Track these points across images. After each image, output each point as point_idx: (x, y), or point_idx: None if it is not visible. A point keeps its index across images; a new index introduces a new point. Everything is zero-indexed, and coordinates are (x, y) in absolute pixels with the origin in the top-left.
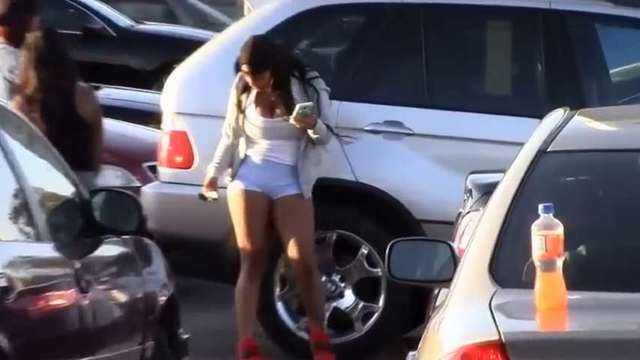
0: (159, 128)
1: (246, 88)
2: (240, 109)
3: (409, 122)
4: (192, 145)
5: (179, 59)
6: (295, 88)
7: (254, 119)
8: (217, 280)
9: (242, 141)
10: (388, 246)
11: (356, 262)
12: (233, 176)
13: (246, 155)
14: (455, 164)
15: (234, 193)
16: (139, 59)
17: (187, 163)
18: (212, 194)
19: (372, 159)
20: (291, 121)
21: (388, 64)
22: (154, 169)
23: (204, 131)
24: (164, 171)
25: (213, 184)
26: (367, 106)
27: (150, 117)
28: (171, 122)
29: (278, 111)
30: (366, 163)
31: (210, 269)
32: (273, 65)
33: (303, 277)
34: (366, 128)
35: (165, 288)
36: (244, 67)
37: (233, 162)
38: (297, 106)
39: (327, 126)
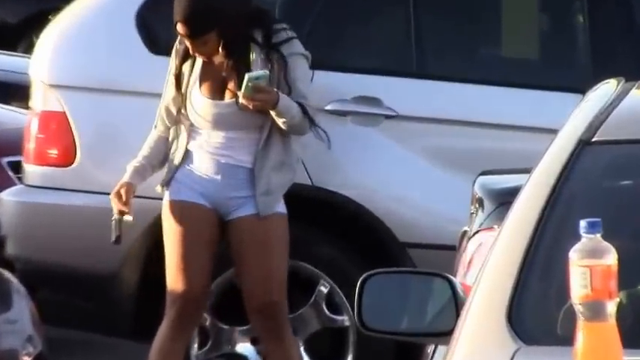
0: (26, 108)
1: (189, 55)
2: (180, 85)
3: (390, 99)
4: (73, 132)
5: (55, 9)
6: (257, 56)
7: (198, 101)
8: (109, 333)
9: (183, 131)
10: (359, 282)
11: (311, 305)
12: (168, 182)
13: (187, 152)
14: (457, 161)
15: (168, 205)
16: None
17: (66, 159)
18: (126, 217)
19: (336, 154)
20: (241, 99)
21: (360, 14)
22: (17, 166)
23: (92, 112)
24: (32, 170)
25: (124, 196)
26: (329, 75)
27: (13, 91)
28: (42, 99)
29: (231, 90)
30: (328, 161)
31: (98, 317)
32: (222, 25)
33: (269, 338)
34: (328, 108)
35: (31, 343)
36: (180, 28)
37: (168, 162)
38: (246, 77)
39: (302, 106)
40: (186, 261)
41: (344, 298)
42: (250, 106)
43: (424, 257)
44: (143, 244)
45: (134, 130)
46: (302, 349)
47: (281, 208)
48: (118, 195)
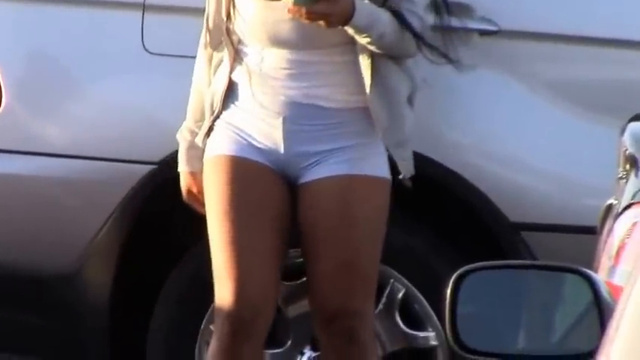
0: None
1: None
2: None
3: (487, 6)
4: None
5: None
6: None
7: (246, 4)
8: None
9: (226, 53)
10: (451, 281)
11: (379, 316)
12: (208, 132)
13: (232, 85)
14: (595, 100)
15: (210, 165)
16: None
17: None
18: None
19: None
20: (289, 12)
21: None
22: None
23: (22, 33)
24: None
25: (192, 177)
26: None
27: None
28: None
29: None
30: None
31: (54, 338)
32: None
33: (342, 353)
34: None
35: None
36: None
37: (211, 102)
38: None
39: (399, 16)
40: (240, 248)
41: (428, 306)
42: (304, 22)
43: (547, 244)
44: (118, 227)
45: (89, 57)
46: None
47: (385, 169)
48: (192, 196)
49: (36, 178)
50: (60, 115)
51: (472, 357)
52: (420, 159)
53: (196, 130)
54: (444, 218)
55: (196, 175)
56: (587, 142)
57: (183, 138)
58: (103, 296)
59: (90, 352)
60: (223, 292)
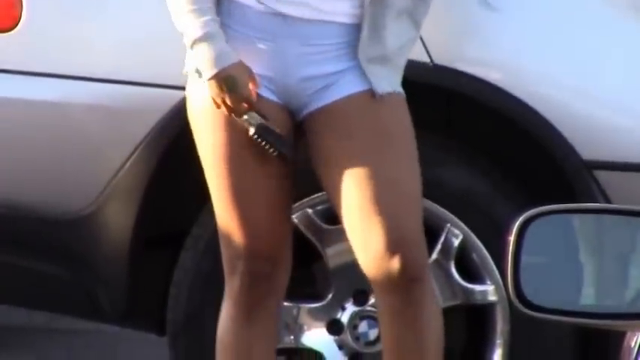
0: None
1: None
2: None
3: None
4: None
5: None
6: None
7: None
8: (88, 316)
9: None
10: (515, 228)
11: (433, 266)
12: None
13: (221, 2)
14: None
15: (201, 103)
16: None
17: (4, 19)
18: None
19: (471, 9)
20: None
21: None
22: None
23: None
24: None
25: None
26: None
27: None
28: None
29: None
30: (457, 22)
31: (67, 289)
32: None
33: (394, 312)
34: None
35: None
36: None
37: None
38: None
39: None
40: (246, 196)
41: (488, 256)
42: None
43: (624, 185)
44: (145, 160)
45: None
46: None
47: (399, 86)
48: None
49: (54, 104)
50: (85, 33)
51: (536, 315)
52: (480, 86)
53: (214, 25)
54: (509, 154)
55: (245, 69)
56: None
57: (211, 35)
58: (121, 242)
59: (102, 306)
60: (233, 247)
